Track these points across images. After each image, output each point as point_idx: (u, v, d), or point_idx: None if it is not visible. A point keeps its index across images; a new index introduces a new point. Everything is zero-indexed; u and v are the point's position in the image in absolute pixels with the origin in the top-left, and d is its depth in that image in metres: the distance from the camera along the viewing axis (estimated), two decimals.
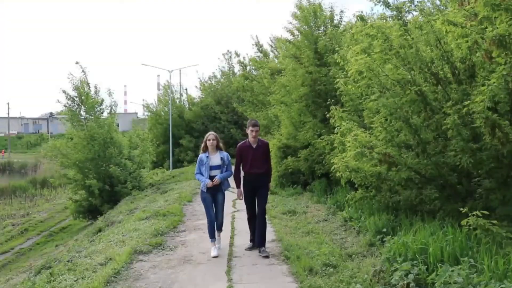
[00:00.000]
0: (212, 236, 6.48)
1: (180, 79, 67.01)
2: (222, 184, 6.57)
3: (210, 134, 6.60)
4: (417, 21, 6.64)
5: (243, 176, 6.63)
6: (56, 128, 72.83)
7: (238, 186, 6.66)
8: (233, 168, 6.70)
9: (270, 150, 7.36)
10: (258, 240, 6.42)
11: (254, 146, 6.55)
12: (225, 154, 6.60)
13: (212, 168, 6.50)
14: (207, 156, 6.51)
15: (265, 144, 6.71)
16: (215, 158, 6.53)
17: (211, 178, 6.46)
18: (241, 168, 6.66)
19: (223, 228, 6.76)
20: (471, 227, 4.68)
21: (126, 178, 18.05)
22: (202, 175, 6.53)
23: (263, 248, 6.35)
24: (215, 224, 6.53)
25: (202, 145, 6.58)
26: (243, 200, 6.72)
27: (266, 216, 6.87)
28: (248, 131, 6.59)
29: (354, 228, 7.50)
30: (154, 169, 27.13)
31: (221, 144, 6.63)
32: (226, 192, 6.73)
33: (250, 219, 6.76)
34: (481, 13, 4.97)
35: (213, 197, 6.53)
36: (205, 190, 6.47)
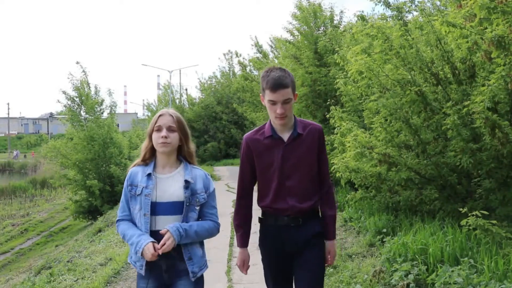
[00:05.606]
0: None
1: (180, 79, 66.84)
2: (186, 254, 2.55)
3: (165, 115, 2.65)
4: (418, 21, 6.64)
5: (260, 217, 2.81)
6: (56, 128, 72.87)
7: (241, 245, 2.87)
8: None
9: None
10: None
11: (286, 138, 2.76)
12: (200, 173, 2.71)
13: (158, 208, 2.52)
14: (150, 175, 2.59)
15: (315, 130, 2.77)
16: (171, 182, 2.60)
17: (155, 235, 2.47)
18: (250, 195, 2.84)
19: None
20: (471, 227, 4.67)
21: None
22: (135, 225, 2.57)
23: None
24: None
25: (144, 145, 2.75)
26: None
27: None
28: (266, 101, 2.75)
29: (354, 229, 7.50)
30: None
31: (192, 147, 2.77)
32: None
33: None
34: (478, 15, 4.96)
35: None
36: (142, 268, 2.51)
